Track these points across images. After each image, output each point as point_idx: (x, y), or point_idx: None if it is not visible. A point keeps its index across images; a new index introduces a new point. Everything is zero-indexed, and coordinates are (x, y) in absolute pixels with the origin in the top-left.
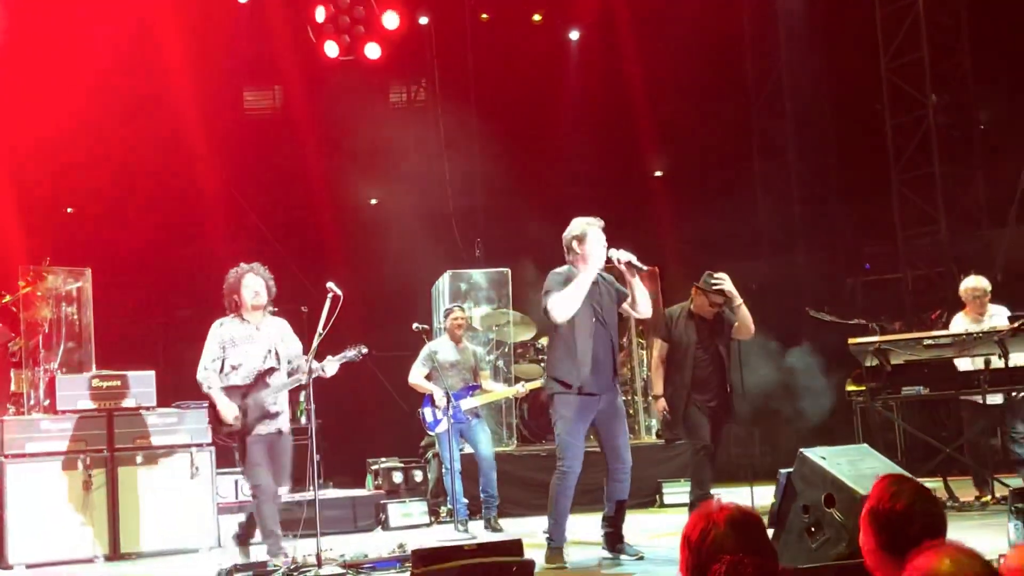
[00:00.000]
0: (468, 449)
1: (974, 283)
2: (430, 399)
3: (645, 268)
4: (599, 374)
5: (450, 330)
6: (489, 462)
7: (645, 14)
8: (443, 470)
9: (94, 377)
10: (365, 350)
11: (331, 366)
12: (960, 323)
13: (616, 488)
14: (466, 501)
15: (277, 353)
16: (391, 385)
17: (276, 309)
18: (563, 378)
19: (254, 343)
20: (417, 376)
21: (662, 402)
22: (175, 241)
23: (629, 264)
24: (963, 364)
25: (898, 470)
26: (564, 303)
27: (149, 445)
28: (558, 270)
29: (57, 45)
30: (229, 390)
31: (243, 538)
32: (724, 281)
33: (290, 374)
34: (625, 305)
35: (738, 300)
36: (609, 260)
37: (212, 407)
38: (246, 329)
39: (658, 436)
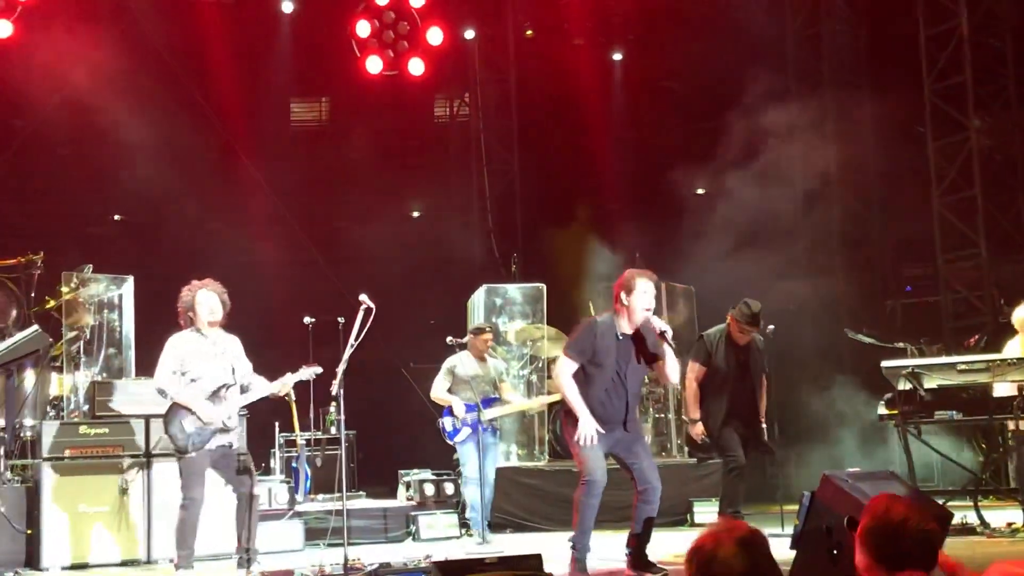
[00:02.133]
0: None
1: None
2: (450, 410)
3: (674, 345)
4: (608, 423)
5: (475, 347)
6: (487, 479)
7: (686, 34)
8: (460, 480)
9: (133, 383)
10: (319, 370)
11: (285, 385)
12: (1014, 349)
13: (644, 509)
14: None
15: (233, 369)
16: (426, 397)
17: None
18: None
19: (213, 357)
20: (439, 389)
21: (699, 426)
22: (217, 250)
23: (662, 335)
24: (1001, 390)
25: (917, 494)
26: (562, 385)
27: None
28: (597, 321)
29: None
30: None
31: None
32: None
33: (242, 390)
34: (656, 367)
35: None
36: (647, 322)
37: (168, 418)
38: (204, 344)
39: (690, 455)
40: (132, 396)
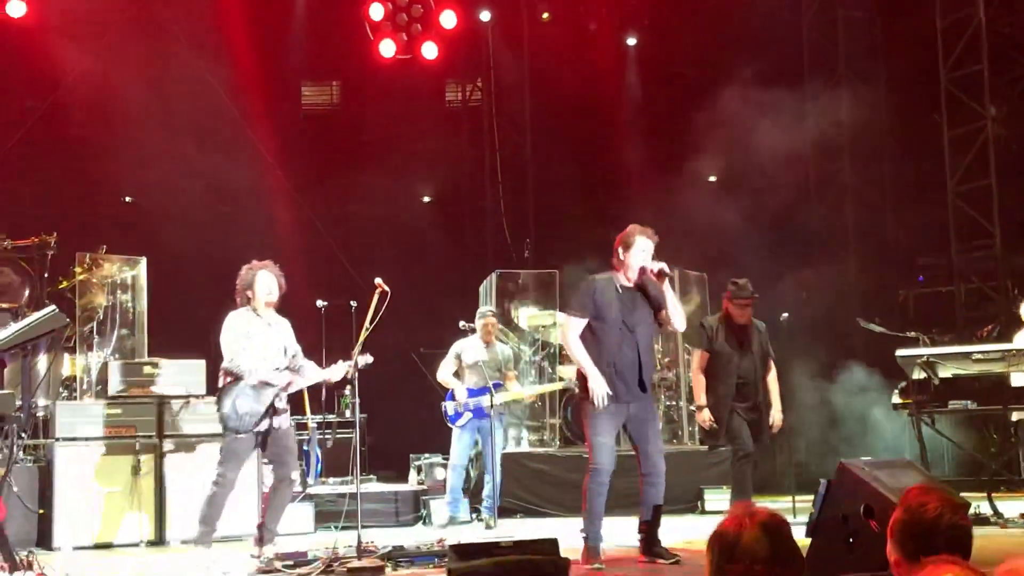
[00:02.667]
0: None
1: None
2: (452, 394)
3: (670, 273)
4: (625, 382)
5: (481, 331)
6: (495, 464)
7: (702, 19)
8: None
9: (146, 364)
10: (371, 360)
11: (336, 372)
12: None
13: (650, 493)
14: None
15: (285, 351)
16: (436, 382)
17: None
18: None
19: (268, 339)
20: (444, 373)
21: (706, 412)
22: (229, 233)
23: (661, 272)
24: (1018, 379)
25: (937, 483)
26: (570, 346)
27: (198, 433)
28: (595, 278)
29: (121, 36)
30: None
31: (261, 539)
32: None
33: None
34: (661, 317)
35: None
36: (643, 271)
37: (221, 397)
38: (260, 324)
39: (701, 442)
40: (146, 377)
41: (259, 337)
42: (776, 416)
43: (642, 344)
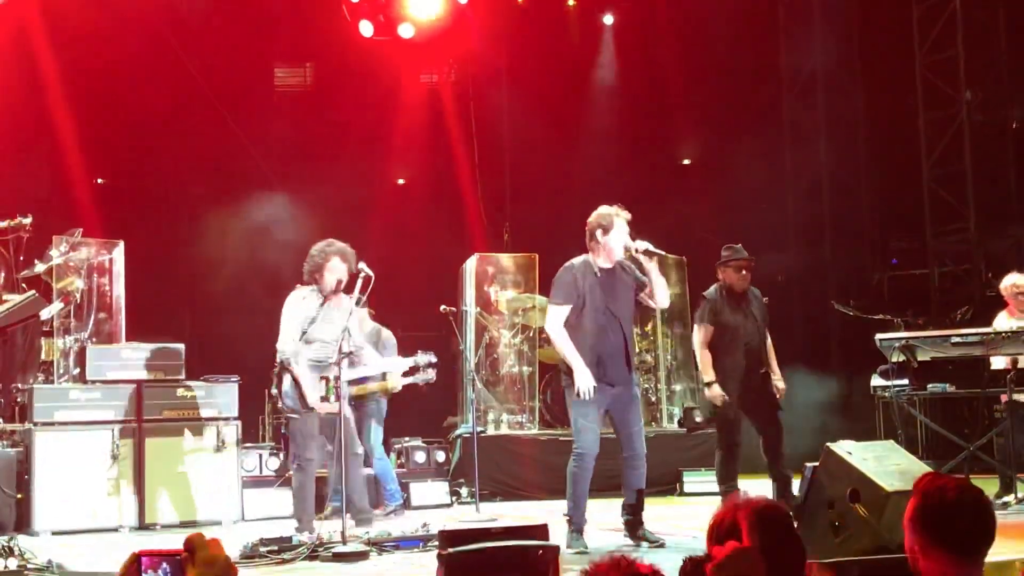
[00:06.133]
0: None
1: (1016, 279)
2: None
3: (662, 252)
4: (608, 367)
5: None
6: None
7: (680, 1)
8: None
9: (124, 348)
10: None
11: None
12: (1004, 322)
13: (632, 476)
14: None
15: (349, 334)
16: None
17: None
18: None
19: (332, 323)
20: None
21: (716, 388)
22: (203, 214)
23: (647, 252)
24: (998, 362)
25: (924, 466)
26: (555, 337)
27: (177, 417)
28: (573, 264)
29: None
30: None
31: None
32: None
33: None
34: (643, 295)
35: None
36: (627, 250)
37: (281, 375)
38: (325, 307)
39: (680, 425)
40: (124, 361)
41: (321, 321)
42: (779, 383)
43: (626, 327)
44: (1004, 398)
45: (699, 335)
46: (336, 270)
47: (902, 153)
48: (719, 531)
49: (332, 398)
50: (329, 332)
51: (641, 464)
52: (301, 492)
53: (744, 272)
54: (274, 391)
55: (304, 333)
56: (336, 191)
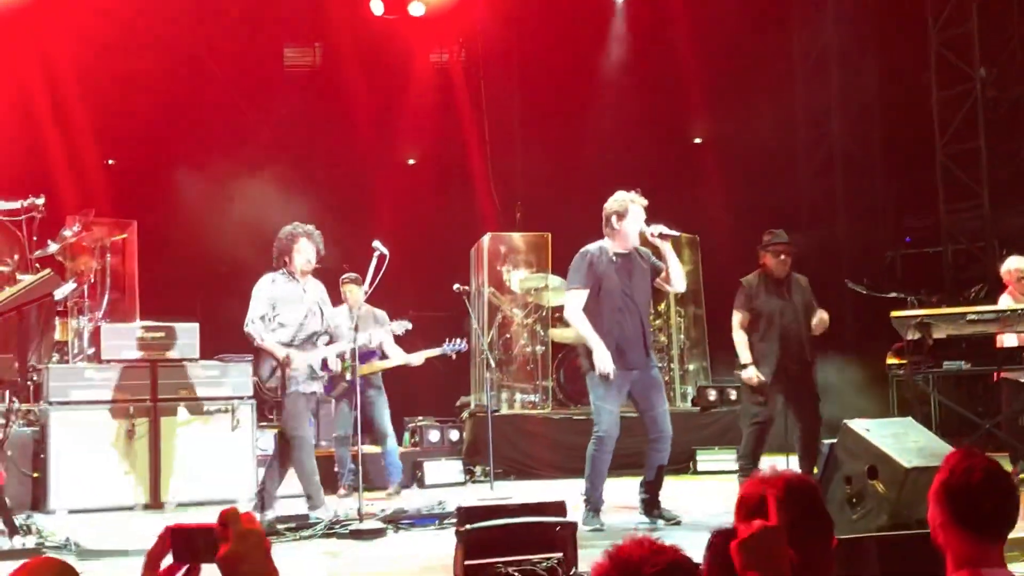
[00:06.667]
0: None
1: (1017, 263)
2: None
3: (676, 233)
4: (628, 351)
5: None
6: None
7: None
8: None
9: (140, 328)
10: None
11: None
12: (1007, 303)
13: (655, 456)
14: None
15: (322, 314)
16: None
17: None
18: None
19: (302, 303)
20: None
21: (751, 370)
22: (216, 195)
23: (663, 235)
24: (1009, 340)
25: (942, 443)
26: (574, 321)
27: (192, 396)
28: (588, 249)
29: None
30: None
31: (262, 504)
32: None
33: (330, 339)
34: (660, 280)
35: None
36: (642, 236)
37: (257, 361)
38: (296, 289)
39: (693, 404)
40: (139, 341)
41: (291, 303)
42: (821, 315)
43: (643, 311)
44: (996, 375)
45: (735, 319)
46: (304, 251)
47: (915, 130)
48: (747, 506)
49: (348, 375)
50: (300, 314)
51: (667, 446)
52: (303, 469)
53: (783, 257)
54: (254, 378)
55: (273, 317)
56: (346, 171)
